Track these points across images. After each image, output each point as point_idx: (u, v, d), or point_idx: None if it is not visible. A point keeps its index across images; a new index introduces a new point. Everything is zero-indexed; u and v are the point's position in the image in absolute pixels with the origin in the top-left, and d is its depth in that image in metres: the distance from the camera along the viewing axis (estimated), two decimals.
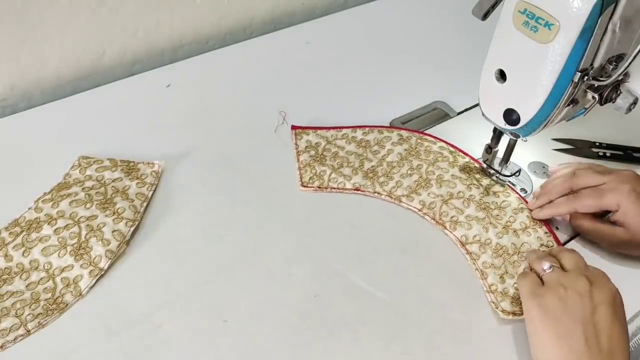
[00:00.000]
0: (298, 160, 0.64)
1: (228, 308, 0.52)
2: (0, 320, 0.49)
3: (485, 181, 0.63)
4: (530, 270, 0.52)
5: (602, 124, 0.71)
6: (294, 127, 0.68)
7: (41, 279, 0.52)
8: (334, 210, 0.61)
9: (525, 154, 0.67)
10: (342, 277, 0.55)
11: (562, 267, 0.50)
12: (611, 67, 0.49)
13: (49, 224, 0.55)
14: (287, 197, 0.62)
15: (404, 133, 0.68)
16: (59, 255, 0.53)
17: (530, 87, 0.51)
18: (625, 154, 0.68)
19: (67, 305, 0.51)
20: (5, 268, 0.53)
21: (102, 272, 0.53)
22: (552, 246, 0.57)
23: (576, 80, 0.49)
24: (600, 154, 0.67)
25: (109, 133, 0.68)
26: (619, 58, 0.49)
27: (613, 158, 0.67)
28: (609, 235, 0.55)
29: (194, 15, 0.82)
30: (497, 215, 0.60)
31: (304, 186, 0.62)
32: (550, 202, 0.59)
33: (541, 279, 0.50)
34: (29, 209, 0.57)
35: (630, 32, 0.48)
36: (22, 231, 0.55)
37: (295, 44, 0.85)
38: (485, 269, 0.55)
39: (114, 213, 0.56)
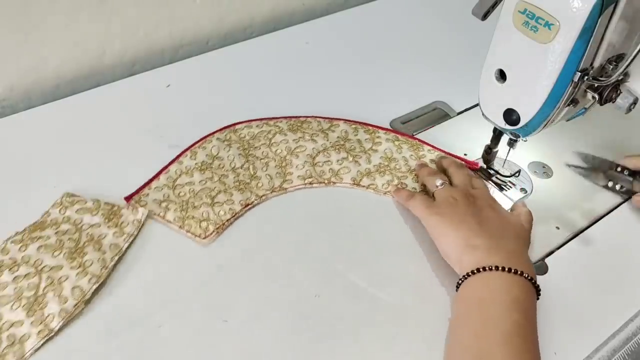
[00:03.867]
0: (171, 221, 0.57)
1: (228, 308, 0.52)
2: None
3: (325, 125, 0.68)
4: (422, 185, 0.62)
5: (602, 124, 0.71)
6: (128, 199, 0.59)
7: None
8: (332, 208, 0.61)
9: (525, 154, 0.67)
10: (343, 277, 0.54)
11: (451, 183, 0.59)
12: (611, 67, 0.49)
13: (10, 270, 0.51)
14: (287, 196, 0.62)
15: (221, 136, 0.66)
16: (11, 308, 0.49)
17: (530, 87, 0.51)
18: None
19: None
20: None
21: (52, 334, 0.48)
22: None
23: (576, 80, 0.49)
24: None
25: (109, 133, 0.68)
26: (619, 58, 0.49)
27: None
28: None
29: (194, 15, 0.82)
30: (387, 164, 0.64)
31: (205, 237, 0.56)
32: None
33: (432, 195, 0.58)
34: None
35: (630, 32, 0.48)
36: None
37: (295, 44, 0.85)
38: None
39: (80, 265, 0.52)
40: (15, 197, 0.60)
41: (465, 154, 0.66)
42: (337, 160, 0.64)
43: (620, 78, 0.50)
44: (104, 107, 0.72)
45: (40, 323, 0.48)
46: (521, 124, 0.54)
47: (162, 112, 0.72)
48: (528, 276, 0.48)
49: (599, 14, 0.45)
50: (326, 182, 0.62)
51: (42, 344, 0.48)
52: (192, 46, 0.85)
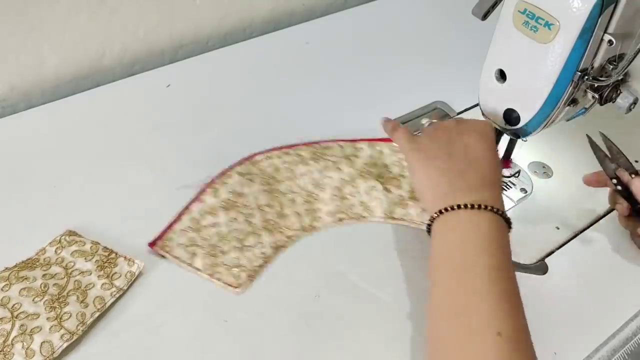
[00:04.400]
0: (200, 269, 0.53)
1: (228, 308, 0.52)
2: None
3: (348, 150, 0.65)
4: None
5: (602, 124, 0.71)
6: (152, 245, 0.55)
7: None
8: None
9: (525, 154, 0.67)
10: (343, 278, 0.54)
11: None
12: (611, 67, 0.49)
13: None
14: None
15: (241, 170, 0.62)
16: None
17: (530, 87, 0.51)
18: None
19: None
20: None
21: None
22: None
23: (576, 80, 0.49)
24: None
25: (109, 133, 0.68)
26: (619, 58, 0.49)
27: None
28: None
29: (194, 15, 0.82)
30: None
31: (237, 287, 0.52)
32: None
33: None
34: None
35: (630, 32, 0.48)
36: None
37: (295, 44, 0.85)
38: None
39: (57, 317, 0.48)
40: (15, 197, 0.60)
41: None
42: (366, 191, 0.60)
43: (620, 78, 0.50)
44: (104, 107, 0.72)
45: None
46: (521, 124, 0.54)
47: (162, 112, 0.72)
48: (496, 209, 0.44)
49: (599, 14, 0.45)
50: (357, 217, 0.59)
51: None
52: (192, 46, 0.85)
